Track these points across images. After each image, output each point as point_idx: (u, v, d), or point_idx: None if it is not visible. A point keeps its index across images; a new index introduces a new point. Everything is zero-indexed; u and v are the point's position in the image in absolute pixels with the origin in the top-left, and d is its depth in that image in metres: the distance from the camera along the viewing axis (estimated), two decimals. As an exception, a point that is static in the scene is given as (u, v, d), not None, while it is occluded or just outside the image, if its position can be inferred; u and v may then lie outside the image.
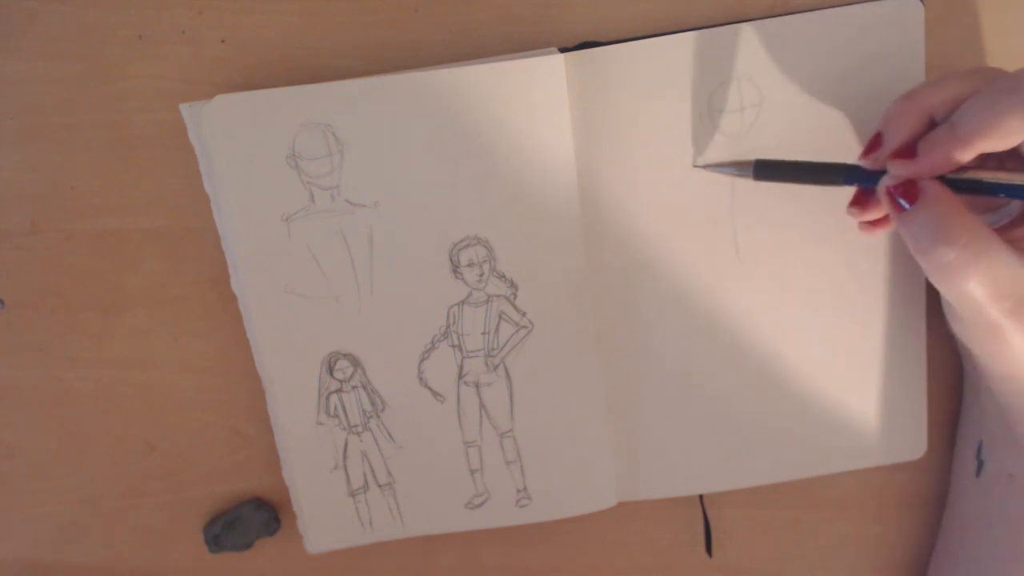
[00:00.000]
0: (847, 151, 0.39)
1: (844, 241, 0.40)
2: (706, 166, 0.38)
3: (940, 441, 0.44)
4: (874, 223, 0.37)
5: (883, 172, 0.34)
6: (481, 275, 0.40)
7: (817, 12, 0.38)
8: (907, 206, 0.33)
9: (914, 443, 0.43)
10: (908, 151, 0.33)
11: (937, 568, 0.44)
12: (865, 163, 0.35)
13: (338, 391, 0.41)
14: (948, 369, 0.43)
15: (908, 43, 0.38)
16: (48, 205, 0.41)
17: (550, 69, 0.37)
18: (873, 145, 0.34)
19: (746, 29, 0.38)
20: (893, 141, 0.34)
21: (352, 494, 0.43)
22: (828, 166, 0.36)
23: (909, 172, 0.33)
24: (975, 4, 0.39)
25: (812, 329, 0.41)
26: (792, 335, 0.41)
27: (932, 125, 0.34)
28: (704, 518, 0.45)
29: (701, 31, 0.38)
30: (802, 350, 0.42)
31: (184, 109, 0.38)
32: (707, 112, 0.38)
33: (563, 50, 0.38)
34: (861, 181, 0.35)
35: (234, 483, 0.45)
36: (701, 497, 0.45)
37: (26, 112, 0.40)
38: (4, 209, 0.41)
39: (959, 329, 0.37)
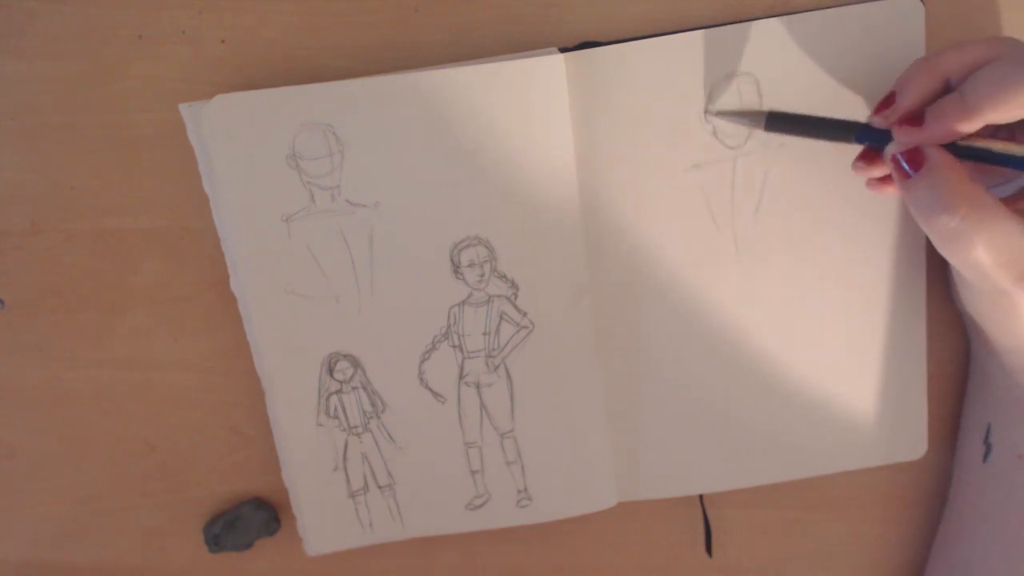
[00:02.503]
0: (848, 150, 0.39)
1: (844, 242, 0.40)
2: (719, 113, 0.38)
3: (940, 441, 0.44)
4: (881, 182, 0.37)
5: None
6: (482, 275, 0.40)
7: (817, 12, 0.38)
8: (912, 173, 0.33)
9: (914, 443, 0.43)
10: (916, 118, 0.33)
11: (937, 562, 0.44)
12: (874, 121, 0.34)
13: (338, 392, 0.41)
14: (948, 369, 0.43)
15: (908, 43, 0.38)
16: (48, 205, 0.41)
17: (550, 69, 0.37)
18: (885, 103, 0.34)
19: (746, 29, 0.38)
20: (904, 103, 0.33)
21: (352, 495, 0.43)
22: (840, 123, 0.35)
23: (915, 140, 0.33)
24: (975, 4, 0.39)
25: (812, 329, 0.41)
26: (792, 335, 0.41)
27: (947, 89, 0.33)
28: (704, 518, 0.45)
29: (701, 31, 0.38)
30: (802, 350, 0.42)
31: (184, 109, 0.38)
32: (707, 112, 0.38)
33: (563, 50, 0.38)
34: (873, 140, 0.35)
35: (234, 483, 0.45)
36: (701, 497, 0.45)
37: (26, 112, 0.40)
38: (4, 209, 0.41)
39: (968, 301, 0.37)
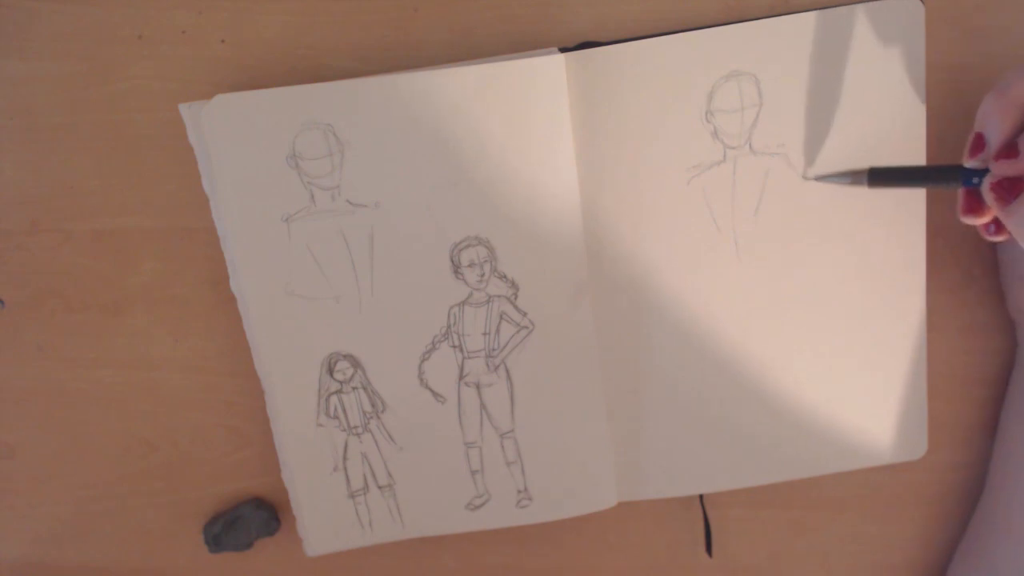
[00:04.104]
0: (847, 151, 0.39)
1: (844, 243, 0.40)
2: (819, 177, 0.38)
3: (940, 441, 0.44)
4: (995, 228, 0.37)
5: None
6: (482, 275, 0.40)
7: (817, 12, 0.38)
8: (1010, 199, 0.33)
9: (914, 443, 0.43)
10: (1011, 150, 0.33)
11: (972, 558, 0.44)
12: (972, 164, 0.35)
13: (338, 392, 0.41)
14: (948, 369, 0.43)
15: (908, 43, 0.38)
16: (48, 205, 0.41)
17: (550, 69, 0.37)
18: (977, 146, 0.34)
19: (746, 29, 0.38)
20: (995, 139, 0.34)
21: (352, 495, 0.43)
22: (941, 169, 0.36)
23: (1014, 171, 0.33)
24: (975, 4, 0.39)
25: (812, 329, 0.41)
26: (792, 336, 0.41)
27: None
28: (704, 518, 0.45)
29: (701, 31, 0.38)
30: (802, 351, 0.42)
31: (184, 109, 0.38)
32: (707, 112, 0.38)
33: (563, 50, 0.38)
34: (975, 180, 0.35)
35: (234, 483, 0.45)
36: (701, 497, 0.45)
37: (26, 112, 0.40)
38: (4, 209, 0.41)
39: None
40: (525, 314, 0.40)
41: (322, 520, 0.43)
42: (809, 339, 0.41)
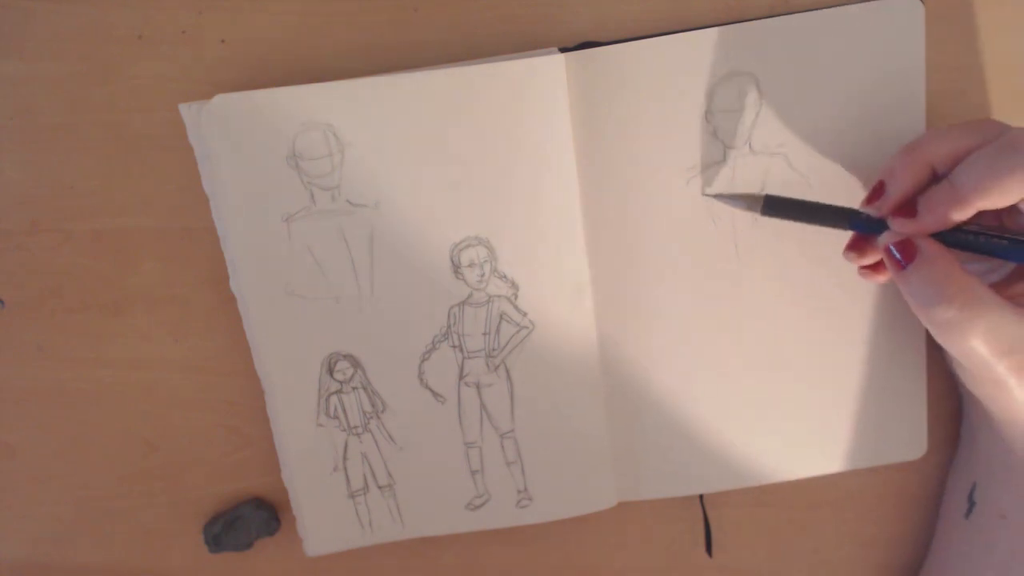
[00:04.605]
0: (846, 151, 0.39)
1: (844, 242, 0.40)
2: (716, 195, 0.38)
3: (940, 441, 0.44)
4: (873, 269, 0.37)
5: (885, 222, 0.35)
6: (482, 275, 0.40)
7: (817, 12, 0.38)
8: (904, 264, 0.33)
9: (914, 443, 0.43)
10: (909, 209, 0.34)
11: None
12: (867, 211, 0.35)
13: (338, 392, 0.41)
14: (948, 369, 0.43)
15: (908, 43, 0.38)
16: (48, 205, 0.41)
17: (550, 69, 0.37)
18: (875, 194, 0.35)
19: (746, 29, 0.38)
20: (894, 193, 0.34)
21: (352, 495, 0.43)
22: (835, 210, 0.36)
23: (910, 230, 0.34)
24: (975, 4, 0.39)
25: (812, 329, 0.41)
26: (792, 335, 0.41)
27: (933, 176, 0.34)
28: (704, 518, 0.45)
29: (701, 31, 0.38)
30: (802, 350, 0.42)
31: (184, 109, 0.38)
32: (707, 112, 0.38)
33: (563, 50, 0.38)
34: (866, 228, 0.36)
35: (234, 483, 0.45)
36: (701, 497, 0.45)
37: (26, 112, 0.40)
38: (4, 209, 0.41)
39: (964, 378, 0.38)
40: (525, 314, 0.40)
41: (322, 520, 0.43)
42: (809, 338, 0.41)
